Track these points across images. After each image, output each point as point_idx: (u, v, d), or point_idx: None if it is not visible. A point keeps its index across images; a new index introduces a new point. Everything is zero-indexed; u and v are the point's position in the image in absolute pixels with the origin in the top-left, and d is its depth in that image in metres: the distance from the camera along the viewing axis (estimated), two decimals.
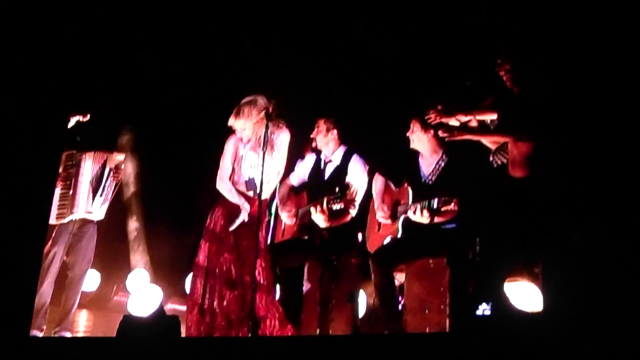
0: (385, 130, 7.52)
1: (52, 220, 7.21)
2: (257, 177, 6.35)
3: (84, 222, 7.39)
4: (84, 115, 7.45)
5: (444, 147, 6.70)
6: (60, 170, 7.37)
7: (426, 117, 6.22)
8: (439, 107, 6.12)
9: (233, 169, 6.64)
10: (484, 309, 5.82)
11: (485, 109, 6.04)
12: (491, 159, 6.01)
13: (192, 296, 6.44)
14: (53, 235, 7.23)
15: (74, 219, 7.32)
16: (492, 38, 6.39)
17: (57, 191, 7.30)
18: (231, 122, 6.62)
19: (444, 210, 6.32)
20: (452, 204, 6.23)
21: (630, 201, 4.95)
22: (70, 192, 7.35)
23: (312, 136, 7.39)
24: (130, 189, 9.09)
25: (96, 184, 7.44)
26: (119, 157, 7.59)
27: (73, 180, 7.40)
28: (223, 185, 6.60)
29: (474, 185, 6.23)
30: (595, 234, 4.94)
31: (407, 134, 6.82)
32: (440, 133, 5.96)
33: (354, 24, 7.46)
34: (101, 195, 7.44)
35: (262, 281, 6.32)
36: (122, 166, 7.64)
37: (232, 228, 6.43)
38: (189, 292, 6.58)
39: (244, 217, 6.44)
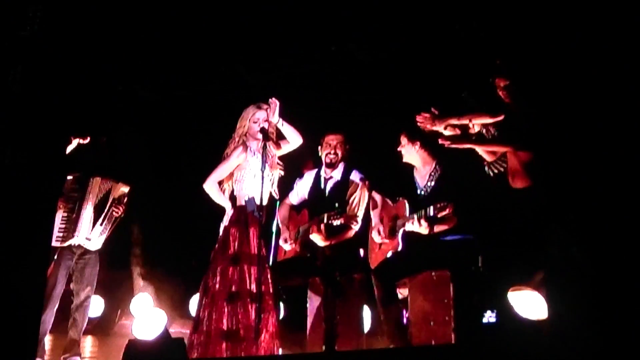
0: (379, 146, 7.54)
1: (53, 243, 7.16)
2: (256, 194, 6.37)
3: (86, 250, 7.35)
4: (84, 138, 7.45)
5: (436, 157, 6.73)
6: (65, 192, 7.35)
7: (418, 122, 6.23)
8: (433, 111, 6.13)
9: (230, 174, 6.63)
10: (489, 317, 5.83)
11: (477, 112, 6.04)
12: (487, 169, 6.04)
13: (218, 324, 6.27)
14: (55, 258, 7.21)
15: (74, 244, 7.28)
16: (486, 51, 6.43)
17: (60, 214, 7.25)
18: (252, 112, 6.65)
19: (441, 217, 6.34)
20: (448, 209, 6.24)
21: (630, 209, 4.98)
22: (74, 215, 7.29)
23: (326, 152, 7.39)
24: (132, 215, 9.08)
25: (98, 211, 7.39)
26: (124, 189, 7.55)
27: (77, 204, 7.34)
28: (211, 187, 6.59)
29: (469, 192, 6.26)
30: (596, 242, 4.97)
31: (398, 149, 6.85)
32: (441, 140, 5.98)
33: (348, 44, 7.50)
34: (101, 225, 7.37)
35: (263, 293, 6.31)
36: (125, 199, 7.60)
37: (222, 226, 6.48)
38: (212, 321, 6.29)
39: (226, 221, 6.47)
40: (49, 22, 6.99)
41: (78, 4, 6.97)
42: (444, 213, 6.28)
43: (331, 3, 7.21)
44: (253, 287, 6.24)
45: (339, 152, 7.35)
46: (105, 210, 7.40)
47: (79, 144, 7.40)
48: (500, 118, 5.78)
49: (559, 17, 5.70)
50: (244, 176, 6.56)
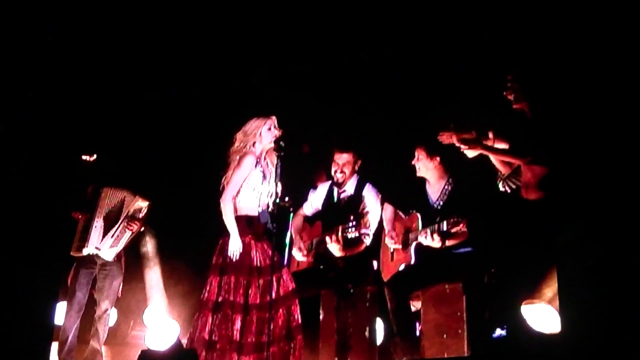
0: (392, 160, 7.54)
1: (73, 252, 7.32)
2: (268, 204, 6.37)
3: (106, 261, 7.41)
4: (91, 156, 7.51)
5: (449, 172, 6.75)
6: (84, 203, 7.45)
7: (439, 137, 6.22)
8: (452, 127, 6.13)
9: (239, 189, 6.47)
10: (500, 333, 5.82)
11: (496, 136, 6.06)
12: (501, 186, 6.03)
13: (201, 333, 6.22)
14: (74, 265, 7.31)
15: (90, 253, 7.34)
16: (498, 63, 6.43)
17: (80, 224, 7.39)
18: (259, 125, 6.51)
19: (454, 232, 6.35)
20: (461, 225, 6.25)
21: None
22: (88, 225, 7.38)
23: (334, 169, 7.39)
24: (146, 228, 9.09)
25: (110, 222, 7.43)
26: (141, 203, 7.58)
27: (93, 214, 7.42)
28: (227, 204, 6.39)
29: (481, 206, 6.25)
30: (610, 253, 4.95)
31: (412, 162, 6.84)
32: (456, 142, 5.99)
33: (360, 54, 7.50)
34: (112, 237, 7.40)
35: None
36: (142, 215, 7.61)
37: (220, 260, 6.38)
38: (197, 330, 6.26)
39: (231, 251, 6.30)
40: (62, 33, 7.09)
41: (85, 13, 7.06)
42: (457, 228, 6.29)
43: (342, 14, 7.21)
44: (240, 298, 6.20)
45: (347, 171, 7.34)
46: (118, 224, 7.42)
47: (86, 161, 7.46)
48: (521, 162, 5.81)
49: (574, 29, 5.69)
50: (243, 188, 6.44)
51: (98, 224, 7.39)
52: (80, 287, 7.24)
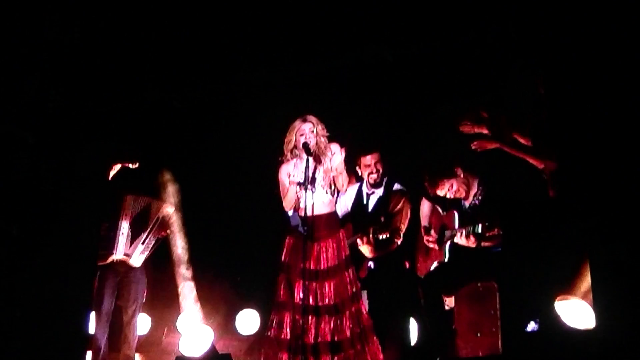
0: (427, 155, 7.51)
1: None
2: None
3: (129, 267, 7.43)
4: (133, 163, 7.55)
5: (478, 174, 6.73)
6: (108, 211, 7.45)
7: (460, 127, 6.23)
8: (484, 115, 6.15)
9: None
10: (532, 327, 5.80)
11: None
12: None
13: (280, 334, 6.40)
14: (99, 274, 7.30)
15: (116, 260, 7.35)
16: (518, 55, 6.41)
17: (102, 232, 7.37)
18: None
19: (489, 236, 6.34)
20: (496, 230, 6.25)
21: None
22: (111, 233, 7.38)
23: (367, 172, 7.39)
24: (176, 230, 9.13)
25: (138, 229, 7.47)
26: (169, 209, 7.64)
27: (111, 222, 7.43)
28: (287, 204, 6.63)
29: (514, 206, 6.24)
30: None
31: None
32: (473, 146, 6.01)
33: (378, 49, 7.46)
34: (142, 243, 7.44)
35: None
36: (171, 220, 7.66)
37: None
38: (274, 331, 6.44)
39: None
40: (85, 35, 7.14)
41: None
42: (492, 233, 6.29)
43: (361, 13, 7.20)
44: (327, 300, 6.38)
45: (380, 169, 7.35)
46: (148, 230, 7.47)
47: (122, 167, 7.50)
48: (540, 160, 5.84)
49: (593, 24, 5.66)
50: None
51: (125, 231, 7.41)
52: (106, 296, 7.25)
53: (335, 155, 6.53)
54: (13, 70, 6.95)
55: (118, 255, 7.35)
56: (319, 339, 6.24)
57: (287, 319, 6.33)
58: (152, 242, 7.52)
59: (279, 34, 7.37)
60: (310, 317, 6.28)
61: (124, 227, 7.41)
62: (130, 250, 7.40)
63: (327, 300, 6.37)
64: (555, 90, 5.76)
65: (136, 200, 7.55)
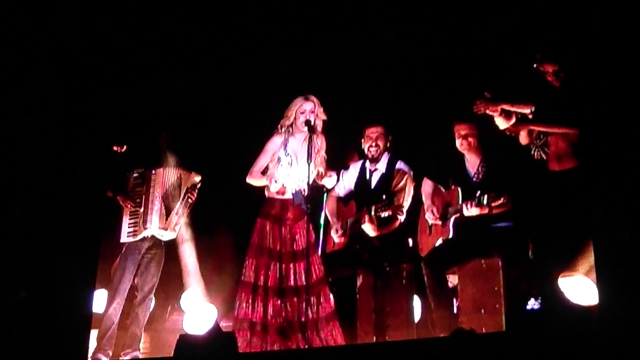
0: (428, 134, 7.51)
1: (124, 239, 7.32)
2: (301, 186, 6.45)
3: (154, 243, 7.45)
4: (121, 148, 7.57)
5: (483, 147, 6.71)
6: (128, 189, 7.49)
7: (473, 108, 6.23)
8: (486, 94, 6.15)
9: (266, 167, 6.70)
10: (533, 304, 5.80)
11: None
12: (532, 151, 6.03)
13: (240, 313, 6.51)
14: (122, 252, 7.31)
15: (147, 236, 7.37)
16: (529, 35, 6.38)
17: (127, 211, 7.39)
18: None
19: (494, 206, 6.32)
20: (502, 199, 6.23)
21: None
22: (142, 209, 7.39)
23: (367, 144, 7.41)
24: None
25: (170, 202, 7.49)
26: (196, 178, 7.66)
27: (143, 198, 7.44)
28: (253, 179, 6.75)
29: (519, 180, 6.24)
30: None
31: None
32: (491, 112, 6.02)
33: (388, 33, 7.44)
34: (177, 214, 7.47)
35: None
36: (198, 187, 7.67)
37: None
38: (237, 310, 6.58)
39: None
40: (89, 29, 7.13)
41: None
42: (498, 202, 6.27)
43: None
44: (293, 282, 6.48)
45: (380, 144, 7.35)
46: (181, 199, 7.50)
47: (116, 152, 7.53)
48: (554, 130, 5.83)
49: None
50: (272, 170, 6.65)
51: (156, 206, 7.42)
52: (127, 273, 7.24)
53: (322, 146, 6.70)
54: (13, 70, 6.93)
55: (153, 230, 7.38)
56: (285, 321, 6.35)
57: (256, 300, 6.43)
58: (184, 212, 7.56)
59: (280, 34, 7.38)
60: (276, 299, 6.41)
61: (157, 202, 7.44)
62: (167, 224, 7.43)
63: (293, 282, 6.47)
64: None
65: (165, 174, 7.55)
